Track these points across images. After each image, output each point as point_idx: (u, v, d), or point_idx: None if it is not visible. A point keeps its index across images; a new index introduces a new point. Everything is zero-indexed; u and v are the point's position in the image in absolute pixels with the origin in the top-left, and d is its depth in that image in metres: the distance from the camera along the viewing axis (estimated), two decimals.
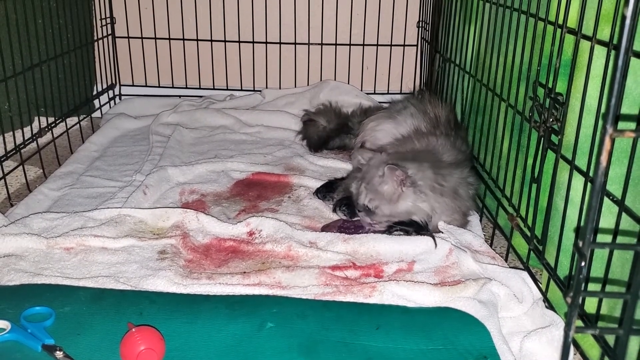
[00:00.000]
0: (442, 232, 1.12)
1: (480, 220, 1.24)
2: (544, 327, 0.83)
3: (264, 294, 0.92)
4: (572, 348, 0.83)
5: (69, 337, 0.81)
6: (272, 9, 2.02)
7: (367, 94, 2.02)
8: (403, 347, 0.81)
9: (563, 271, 0.89)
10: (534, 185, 0.98)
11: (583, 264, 0.42)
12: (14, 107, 1.50)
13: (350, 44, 2.06)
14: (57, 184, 1.35)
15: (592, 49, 0.79)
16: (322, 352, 0.79)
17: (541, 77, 0.96)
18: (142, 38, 2.04)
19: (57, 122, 1.57)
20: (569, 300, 0.43)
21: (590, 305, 0.81)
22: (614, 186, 0.77)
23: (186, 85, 2.10)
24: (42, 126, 1.50)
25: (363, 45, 2.06)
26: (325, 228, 1.17)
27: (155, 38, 2.04)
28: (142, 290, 0.92)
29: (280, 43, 2.05)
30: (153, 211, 1.16)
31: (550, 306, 0.91)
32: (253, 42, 2.05)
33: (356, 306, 0.90)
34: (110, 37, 2.02)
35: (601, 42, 0.78)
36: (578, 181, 0.84)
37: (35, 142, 1.42)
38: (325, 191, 1.31)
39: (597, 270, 0.80)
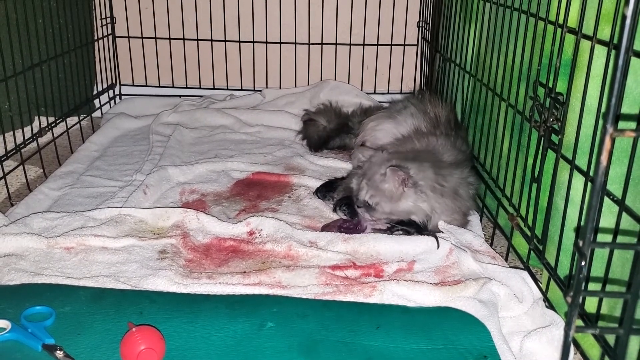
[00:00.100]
0: (442, 232, 1.12)
1: (481, 220, 1.24)
2: (544, 327, 0.83)
3: (264, 294, 0.92)
4: (572, 348, 0.83)
5: (69, 337, 0.81)
6: (273, 8, 2.02)
7: (368, 93, 2.02)
8: (403, 346, 0.81)
9: (563, 271, 0.89)
10: (534, 185, 0.98)
11: (583, 263, 0.42)
12: (14, 106, 1.50)
13: (350, 44, 2.06)
14: (57, 184, 1.35)
15: (592, 49, 0.79)
16: (322, 352, 0.79)
17: (541, 77, 0.96)
18: (142, 38, 2.04)
19: (57, 121, 1.57)
20: (569, 299, 0.43)
21: (591, 304, 0.81)
22: (614, 186, 0.77)
23: (186, 85, 2.10)
24: (42, 126, 1.50)
25: (363, 45, 2.06)
26: (326, 228, 1.17)
27: (156, 38, 2.04)
28: (143, 289, 0.92)
29: (280, 43, 2.05)
30: (153, 211, 1.16)
31: (550, 306, 0.91)
32: (253, 42, 2.05)
33: (356, 306, 0.90)
34: (110, 37, 2.02)
35: (601, 42, 0.78)
36: (578, 181, 0.84)
37: (35, 141, 1.42)
38: (325, 191, 1.31)
39: (597, 270, 0.80)
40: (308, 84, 2.06)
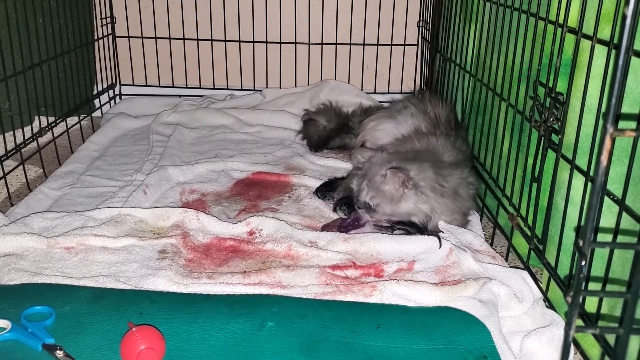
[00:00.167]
0: (442, 232, 1.12)
1: (481, 220, 1.24)
2: (545, 327, 0.83)
3: (264, 294, 0.92)
4: (572, 347, 0.83)
5: (70, 337, 0.81)
6: (273, 8, 2.02)
7: (368, 93, 2.02)
8: (403, 346, 0.81)
9: (563, 270, 0.89)
10: (535, 185, 0.98)
11: (583, 263, 0.42)
12: (14, 106, 1.50)
13: (350, 44, 2.06)
14: (57, 184, 1.35)
15: (592, 49, 0.79)
16: (323, 352, 0.79)
17: (541, 77, 0.96)
18: (142, 37, 2.04)
19: (57, 121, 1.57)
20: (569, 299, 0.43)
21: (591, 304, 0.81)
22: (615, 185, 0.77)
23: (186, 84, 2.10)
24: (42, 126, 1.50)
25: (363, 44, 2.06)
26: (326, 227, 1.17)
27: (156, 37, 2.04)
28: (143, 289, 0.92)
29: (280, 42, 2.05)
30: (153, 211, 1.16)
31: (550, 305, 0.91)
32: (253, 42, 2.05)
33: (356, 305, 0.90)
34: (110, 37, 2.02)
35: (602, 42, 0.78)
36: (578, 180, 0.84)
37: (35, 141, 1.42)
38: (325, 191, 1.31)
39: (597, 270, 0.80)
40: (308, 84, 2.06)
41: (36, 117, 1.64)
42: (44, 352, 0.78)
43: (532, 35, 1.02)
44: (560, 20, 0.89)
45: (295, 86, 2.08)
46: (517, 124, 1.07)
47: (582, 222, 0.80)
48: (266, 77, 2.09)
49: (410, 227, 1.12)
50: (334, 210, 1.24)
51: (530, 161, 1.01)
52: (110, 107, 2.00)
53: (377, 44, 2.06)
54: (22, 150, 1.36)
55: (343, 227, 1.16)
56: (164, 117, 1.82)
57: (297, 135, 1.72)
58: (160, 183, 1.34)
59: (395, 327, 0.85)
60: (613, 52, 0.75)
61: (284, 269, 0.98)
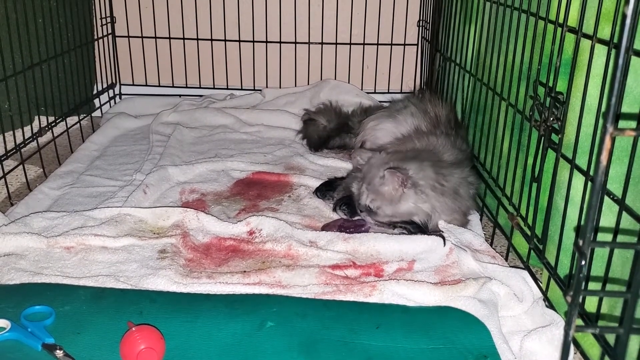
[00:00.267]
0: (442, 232, 1.12)
1: (481, 220, 1.24)
2: (544, 326, 0.83)
3: (264, 293, 0.92)
4: (572, 347, 0.83)
5: (69, 336, 0.81)
6: (273, 8, 2.02)
7: (368, 93, 2.02)
8: (403, 346, 0.81)
9: (563, 270, 0.89)
10: (534, 185, 0.98)
11: (583, 262, 0.42)
12: (14, 106, 1.50)
13: (350, 43, 2.06)
14: (57, 183, 1.35)
15: (592, 48, 0.79)
16: (322, 351, 0.79)
17: (541, 76, 0.96)
18: (142, 37, 2.04)
19: (57, 121, 1.57)
20: (569, 299, 0.43)
21: (591, 304, 0.81)
22: (615, 185, 0.77)
23: (186, 84, 2.10)
24: (42, 125, 1.50)
25: (363, 44, 2.06)
26: (326, 227, 1.17)
27: (156, 37, 2.04)
28: (142, 289, 0.92)
29: (280, 42, 2.05)
30: (153, 210, 1.16)
31: (550, 305, 0.91)
32: (253, 42, 2.05)
33: (356, 305, 0.90)
34: (110, 36, 2.02)
35: (602, 41, 0.78)
36: (578, 180, 0.84)
37: (35, 141, 1.42)
38: (325, 190, 1.31)
39: (597, 269, 0.80)
40: (308, 84, 2.06)
41: (36, 117, 1.64)
42: (43, 351, 0.78)
43: (532, 34, 1.02)
44: (560, 20, 0.89)
45: (295, 86, 2.08)
46: (517, 123, 1.07)
47: (582, 222, 0.80)
48: (266, 77, 2.09)
49: (412, 227, 1.12)
50: (334, 210, 1.24)
51: (530, 161, 1.01)
52: (110, 106, 2.00)
53: (377, 44, 2.06)
54: (22, 150, 1.36)
55: (344, 227, 1.16)
56: (163, 116, 1.82)
57: (297, 135, 1.72)
58: (160, 183, 1.34)
59: (395, 326, 0.85)
60: (613, 51, 0.75)
61: (283, 268, 0.98)
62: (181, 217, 1.14)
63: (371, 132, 1.46)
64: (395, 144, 1.33)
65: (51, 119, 1.57)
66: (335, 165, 1.52)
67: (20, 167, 1.36)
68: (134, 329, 0.76)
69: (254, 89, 2.09)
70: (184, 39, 2.04)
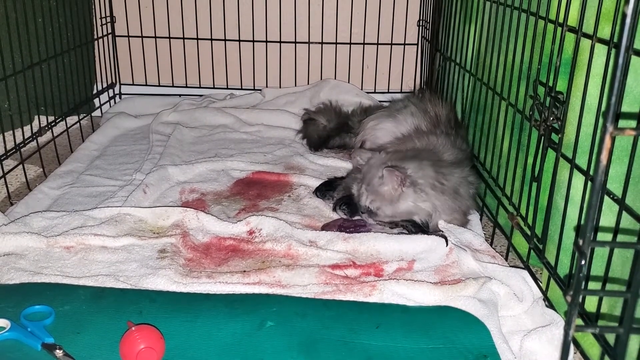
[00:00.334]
0: (442, 231, 1.12)
1: (481, 219, 1.24)
2: (544, 326, 0.83)
3: (264, 293, 0.92)
4: (572, 347, 0.83)
5: (69, 336, 0.81)
6: (273, 7, 2.02)
7: (368, 92, 2.02)
8: (403, 345, 0.81)
9: (563, 270, 0.89)
10: (534, 184, 0.98)
11: (583, 262, 0.42)
12: (14, 106, 1.50)
13: (350, 43, 2.06)
14: (57, 183, 1.35)
15: (592, 48, 0.79)
16: (322, 351, 0.79)
17: (541, 76, 0.96)
18: (142, 37, 2.04)
19: (57, 121, 1.57)
20: (569, 298, 0.43)
21: (591, 304, 0.81)
22: (615, 185, 0.77)
23: (186, 84, 2.10)
24: (42, 125, 1.50)
25: (363, 44, 2.06)
26: (325, 227, 1.17)
27: (156, 37, 2.04)
28: (142, 289, 0.92)
29: (280, 42, 2.05)
30: (153, 210, 1.16)
31: (550, 305, 0.91)
32: (253, 41, 2.05)
33: (356, 305, 0.90)
34: (110, 36, 2.02)
35: (602, 41, 0.78)
36: (578, 180, 0.84)
37: (35, 141, 1.42)
38: (325, 190, 1.31)
39: (597, 269, 0.80)
40: (308, 83, 2.06)
41: (36, 117, 1.64)
42: (43, 351, 0.77)
43: (532, 34, 1.02)
44: (560, 20, 0.89)
45: (295, 85, 2.08)
46: (517, 123, 1.07)
47: (582, 221, 0.80)
48: (266, 77, 2.09)
49: (413, 227, 1.12)
50: (334, 209, 1.24)
51: (530, 160, 1.01)
52: (110, 106, 2.00)
53: (377, 43, 2.06)
54: (22, 149, 1.36)
55: (344, 227, 1.16)
56: (163, 116, 1.82)
57: (297, 135, 1.72)
58: (160, 182, 1.34)
59: (395, 326, 0.85)
60: (613, 51, 0.75)
61: (283, 268, 0.98)
62: (181, 216, 1.14)
63: (371, 131, 1.46)
64: (395, 144, 1.33)
65: (51, 118, 1.57)
66: (335, 165, 1.52)
67: (20, 166, 1.36)
68: (133, 328, 0.76)
69: (254, 89, 2.09)
70: (183, 38, 2.04)
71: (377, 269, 1.01)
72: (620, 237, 0.74)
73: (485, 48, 1.28)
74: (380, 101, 1.91)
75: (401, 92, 2.07)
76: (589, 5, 0.82)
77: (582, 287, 0.42)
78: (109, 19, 2.00)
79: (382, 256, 1.05)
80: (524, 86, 1.05)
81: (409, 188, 1.10)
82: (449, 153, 1.22)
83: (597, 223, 0.78)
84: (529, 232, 0.99)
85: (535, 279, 0.95)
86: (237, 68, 2.08)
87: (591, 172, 0.80)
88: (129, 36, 2.05)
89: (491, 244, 1.14)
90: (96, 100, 1.95)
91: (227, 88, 2.10)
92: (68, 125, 1.62)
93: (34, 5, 1.49)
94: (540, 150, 0.96)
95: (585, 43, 0.82)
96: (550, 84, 0.91)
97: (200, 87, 2.09)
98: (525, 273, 0.95)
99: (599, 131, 0.77)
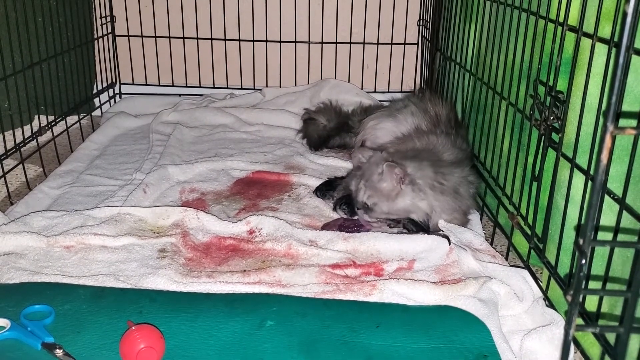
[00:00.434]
0: (442, 231, 1.12)
1: (481, 219, 1.24)
2: (545, 326, 0.83)
3: (264, 292, 0.92)
4: (572, 346, 0.83)
5: (69, 335, 0.81)
6: (273, 7, 2.02)
7: (368, 92, 2.02)
8: (403, 345, 0.81)
9: (563, 269, 0.89)
10: (535, 184, 0.98)
11: (584, 261, 0.42)
12: (14, 105, 1.50)
13: (350, 43, 2.06)
14: (57, 183, 1.35)
15: (593, 47, 0.79)
16: (322, 351, 0.79)
17: (542, 75, 0.96)
18: (142, 36, 2.04)
19: (57, 120, 1.57)
20: (569, 298, 0.43)
21: (591, 303, 0.81)
22: (615, 184, 0.77)
23: (186, 83, 2.10)
24: (42, 125, 1.50)
25: (363, 43, 2.06)
26: (326, 227, 1.17)
27: (156, 36, 2.04)
28: (142, 288, 0.92)
29: (280, 41, 2.05)
30: (153, 210, 1.16)
31: (550, 304, 0.91)
32: (253, 41, 2.05)
33: (356, 304, 0.89)
34: (110, 36, 2.02)
35: (602, 40, 0.78)
36: (579, 179, 0.84)
37: (35, 140, 1.42)
38: (325, 190, 1.31)
39: (597, 269, 0.80)
40: (308, 83, 2.06)
41: (36, 116, 1.64)
42: (43, 350, 0.77)
43: (532, 33, 1.02)
44: (561, 19, 0.89)
45: (295, 85, 2.08)
46: (518, 122, 1.07)
47: (583, 221, 0.80)
48: (266, 76, 2.09)
49: (412, 226, 1.12)
50: (334, 209, 1.24)
51: (530, 160, 1.00)
52: (110, 106, 2.00)
53: (377, 43, 2.06)
54: (22, 149, 1.36)
55: (344, 226, 1.16)
56: (163, 116, 1.82)
57: (297, 134, 1.72)
58: (160, 182, 1.34)
59: (395, 326, 0.84)
60: (613, 50, 0.75)
61: (283, 267, 0.98)
62: (181, 216, 1.14)
63: (371, 131, 1.46)
64: (396, 143, 1.33)
65: (51, 118, 1.57)
66: (335, 164, 1.52)
67: (20, 166, 1.36)
68: (133, 328, 0.76)
69: (254, 88, 2.09)
70: (183, 38, 2.04)
71: (377, 269, 1.00)
72: (621, 237, 0.74)
73: (485, 47, 1.28)
74: (380, 101, 1.91)
75: (401, 91, 2.07)
76: (589, 4, 0.82)
77: (583, 286, 0.42)
78: (109, 19, 2.00)
79: (382, 256, 1.05)
80: (525, 86, 1.05)
81: (408, 186, 1.10)
82: (449, 153, 1.22)
83: (598, 222, 0.78)
84: (529, 232, 0.99)
85: (536, 279, 0.95)
86: (237, 67, 2.08)
87: (591, 172, 0.80)
88: (129, 36, 2.05)
89: (491, 244, 1.14)
90: (96, 100, 1.95)
91: (227, 88, 2.10)
92: (68, 125, 1.62)
93: (34, 4, 1.49)
94: (540, 150, 0.96)
95: (586, 42, 0.82)
96: (551, 83, 0.91)
97: (200, 87, 2.09)
98: (526, 272, 0.95)
99: (599, 130, 0.77)
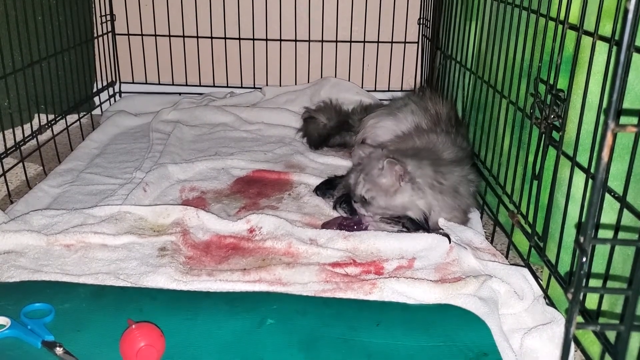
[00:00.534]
0: (442, 229, 1.12)
1: (481, 218, 1.24)
2: (545, 324, 0.83)
3: (264, 291, 0.92)
4: (572, 345, 0.83)
5: (69, 334, 0.80)
6: (273, 5, 2.02)
7: (368, 91, 2.02)
8: (403, 343, 0.81)
9: (564, 268, 0.89)
10: (535, 182, 0.98)
11: (584, 259, 0.42)
12: (14, 104, 1.50)
13: (351, 41, 2.06)
14: (57, 181, 1.35)
15: (593, 45, 0.79)
16: (322, 349, 0.79)
17: (542, 74, 0.96)
18: (142, 35, 2.04)
19: (57, 119, 1.57)
20: (570, 296, 0.43)
21: (592, 301, 0.80)
22: (616, 182, 0.77)
23: (186, 82, 2.10)
24: (42, 123, 1.50)
25: (364, 42, 2.06)
26: (326, 225, 1.17)
27: (156, 35, 2.04)
28: (142, 287, 0.92)
29: (280, 40, 2.05)
30: (153, 208, 1.16)
31: (551, 303, 0.91)
32: (253, 39, 2.04)
33: (356, 303, 0.89)
34: (110, 34, 2.02)
35: (603, 38, 0.78)
36: (579, 178, 0.84)
37: (35, 139, 1.42)
38: (325, 188, 1.31)
39: (598, 267, 0.80)
40: (308, 82, 2.06)
41: (36, 115, 1.64)
42: (43, 349, 0.77)
43: (532, 32, 1.01)
44: (561, 17, 0.89)
45: (296, 84, 2.08)
46: (518, 121, 1.07)
47: (583, 219, 0.80)
48: (266, 75, 2.08)
49: (410, 225, 1.12)
50: (334, 208, 1.24)
51: (530, 158, 1.00)
52: (110, 104, 1.99)
53: (378, 42, 2.06)
54: (22, 147, 1.36)
55: (344, 225, 1.16)
56: (163, 114, 1.82)
57: (297, 133, 1.72)
58: (160, 181, 1.34)
59: (395, 324, 0.84)
60: (614, 48, 0.75)
61: (284, 266, 0.98)
62: (181, 214, 1.14)
63: (371, 129, 1.46)
64: (396, 142, 1.33)
65: (51, 116, 1.57)
66: (336, 163, 1.52)
67: (20, 164, 1.36)
68: (133, 326, 0.76)
69: (254, 87, 2.09)
70: (183, 36, 2.04)
71: (378, 267, 1.00)
72: (621, 235, 0.74)
73: (486, 46, 1.28)
74: (380, 99, 1.91)
75: (402, 90, 2.07)
76: (590, 2, 0.82)
77: (583, 284, 0.42)
78: (109, 17, 1.99)
79: (383, 254, 1.05)
80: (525, 84, 1.05)
81: (407, 184, 1.10)
82: (449, 151, 1.22)
83: (598, 220, 0.78)
84: (529, 230, 0.99)
85: (536, 277, 0.95)
86: (237, 66, 2.08)
87: (592, 170, 0.80)
88: (129, 34, 2.04)
89: (492, 242, 1.14)
90: (96, 99, 1.95)
91: (227, 86, 2.10)
92: (68, 124, 1.62)
93: (33, 3, 1.49)
94: (541, 148, 0.96)
95: (587, 40, 0.82)
96: (551, 81, 0.91)
97: (200, 86, 2.09)
98: (526, 271, 0.95)
99: (600, 129, 0.77)
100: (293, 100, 1.94)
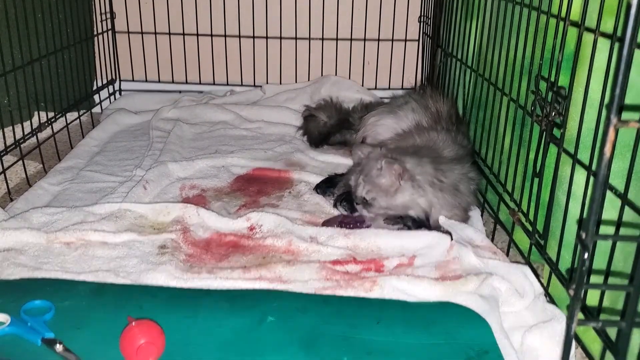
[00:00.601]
0: (443, 227, 1.11)
1: (482, 215, 1.24)
2: (546, 322, 0.83)
3: (265, 288, 0.92)
4: (573, 342, 0.82)
5: (69, 331, 0.80)
6: (273, 3, 2.01)
7: (369, 89, 2.01)
8: (404, 341, 0.81)
9: (565, 266, 0.88)
10: (536, 180, 0.98)
11: (586, 255, 0.42)
12: (13, 101, 1.49)
13: (351, 39, 2.05)
14: (57, 179, 1.34)
15: (595, 42, 0.79)
16: (323, 346, 0.79)
17: (543, 71, 0.96)
18: (142, 33, 2.04)
19: (57, 117, 1.56)
20: (571, 292, 0.43)
21: (593, 298, 0.80)
22: (617, 180, 0.77)
23: (186, 80, 2.09)
24: (42, 121, 1.49)
25: (364, 40, 2.05)
26: (326, 223, 1.17)
27: (155, 33, 2.04)
28: (143, 284, 0.92)
29: (280, 38, 2.04)
30: (153, 206, 1.16)
31: (551, 301, 0.91)
32: (253, 37, 2.04)
33: (357, 300, 0.89)
34: (110, 32, 2.02)
35: (604, 35, 0.78)
36: (580, 175, 0.83)
37: (35, 136, 1.42)
38: (325, 186, 1.31)
39: (599, 263, 0.80)
40: (309, 80, 2.06)
41: (36, 113, 1.64)
42: (43, 346, 0.77)
43: (534, 29, 1.01)
44: (563, 14, 0.89)
45: (296, 82, 2.07)
46: (519, 118, 1.07)
47: (585, 215, 0.80)
48: (266, 73, 2.08)
49: (411, 222, 1.12)
50: (335, 206, 1.24)
51: (531, 156, 1.00)
52: (110, 102, 1.99)
53: (378, 40, 2.06)
54: (22, 145, 1.36)
55: (344, 223, 1.16)
56: (163, 112, 1.81)
57: (297, 131, 1.72)
58: (160, 179, 1.33)
59: (396, 322, 0.84)
60: (616, 45, 0.74)
61: (284, 264, 0.97)
62: (181, 212, 1.14)
63: (372, 127, 1.46)
64: (396, 140, 1.33)
65: (51, 114, 1.57)
66: (336, 161, 1.52)
67: (20, 162, 1.36)
68: (133, 323, 0.76)
69: (254, 85, 2.08)
70: (183, 34, 2.04)
71: (378, 265, 1.00)
72: (623, 231, 0.73)
73: (486, 43, 1.28)
74: (381, 97, 1.91)
75: (402, 88, 2.07)
76: None
77: (585, 280, 0.42)
78: (108, 15, 1.99)
79: (383, 252, 1.05)
80: (526, 81, 1.04)
81: (407, 182, 1.10)
82: (449, 149, 1.22)
83: (600, 217, 0.78)
84: (530, 228, 0.99)
85: (537, 275, 0.95)
86: (238, 64, 2.07)
87: (593, 167, 0.79)
88: (128, 32, 2.04)
89: (492, 240, 1.14)
90: (96, 97, 1.95)
91: (227, 84, 2.09)
92: (68, 121, 1.62)
93: (33, 1, 1.49)
94: (542, 146, 0.95)
95: (588, 37, 0.82)
96: (552, 79, 0.91)
97: (200, 84, 2.09)
98: (527, 269, 0.95)
99: (601, 126, 0.77)
100: (293, 99, 1.93)
